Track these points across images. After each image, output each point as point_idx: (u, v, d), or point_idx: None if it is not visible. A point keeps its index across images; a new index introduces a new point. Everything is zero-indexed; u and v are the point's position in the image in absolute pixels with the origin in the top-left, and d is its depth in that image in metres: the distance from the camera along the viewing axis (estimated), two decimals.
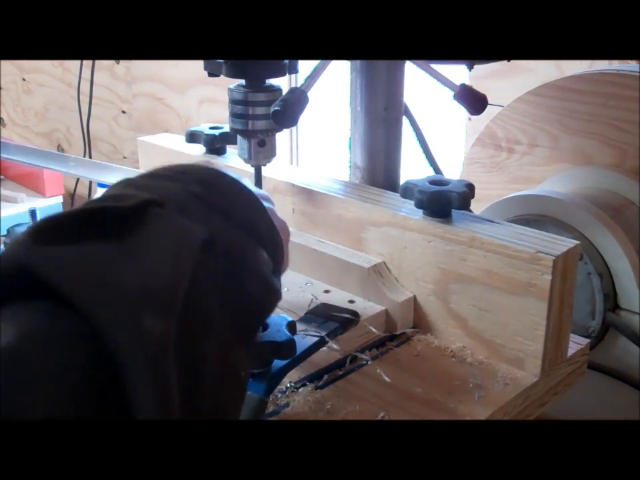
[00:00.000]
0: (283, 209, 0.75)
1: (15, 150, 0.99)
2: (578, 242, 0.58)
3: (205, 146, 0.86)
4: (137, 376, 0.29)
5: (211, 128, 0.87)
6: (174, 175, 0.41)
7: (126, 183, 0.40)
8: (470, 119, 1.29)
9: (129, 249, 0.34)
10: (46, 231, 0.34)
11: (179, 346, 0.32)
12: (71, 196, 2.10)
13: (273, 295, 0.43)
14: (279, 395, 0.54)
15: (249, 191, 0.44)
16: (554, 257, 0.54)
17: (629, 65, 0.95)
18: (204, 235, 0.37)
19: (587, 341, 0.65)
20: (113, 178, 0.83)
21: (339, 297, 0.66)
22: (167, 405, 0.30)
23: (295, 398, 0.54)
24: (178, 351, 0.32)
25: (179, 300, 0.33)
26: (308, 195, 0.72)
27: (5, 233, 0.73)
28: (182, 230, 0.36)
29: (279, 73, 0.67)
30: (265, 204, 0.45)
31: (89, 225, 0.34)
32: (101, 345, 0.30)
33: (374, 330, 0.62)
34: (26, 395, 0.28)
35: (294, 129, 1.70)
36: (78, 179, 2.03)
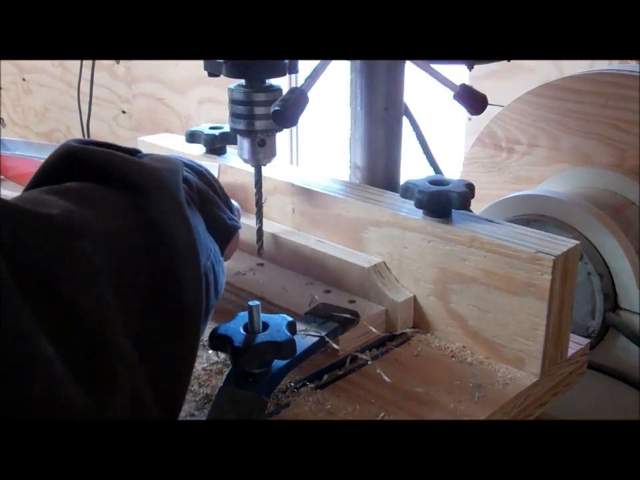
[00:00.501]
0: (283, 208, 0.75)
1: (20, 146, 0.97)
2: (578, 242, 0.58)
3: (205, 146, 0.86)
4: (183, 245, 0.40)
5: (211, 128, 0.87)
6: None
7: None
8: (470, 119, 1.29)
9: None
10: (84, 142, 0.44)
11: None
12: None
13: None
14: (279, 395, 0.54)
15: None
16: (554, 257, 0.54)
17: (629, 65, 0.95)
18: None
19: (587, 341, 0.65)
20: None
21: (338, 297, 0.66)
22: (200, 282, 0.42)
23: (294, 398, 0.54)
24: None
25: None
26: (308, 195, 0.72)
27: None
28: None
29: (279, 73, 0.67)
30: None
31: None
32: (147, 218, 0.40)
33: (374, 330, 0.62)
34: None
35: (294, 128, 1.70)
36: None
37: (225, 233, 0.56)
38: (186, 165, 0.55)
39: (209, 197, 0.54)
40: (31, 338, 0.30)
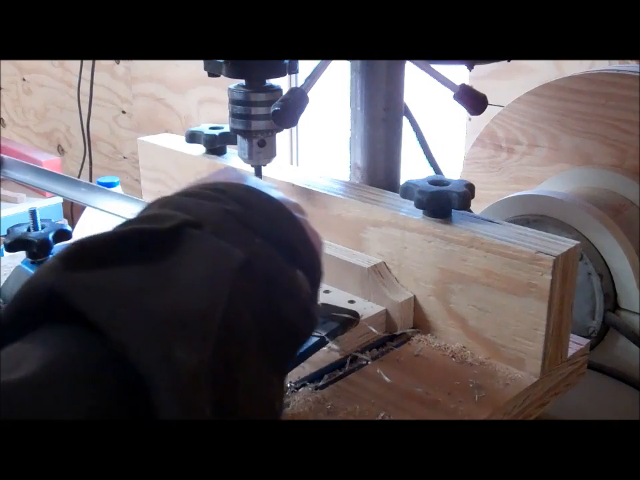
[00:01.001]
0: None
1: (22, 168, 0.95)
2: (578, 242, 0.58)
3: (205, 146, 0.86)
4: (167, 409, 0.28)
5: (211, 128, 0.87)
6: (211, 193, 0.40)
7: (162, 202, 0.39)
8: (470, 119, 1.29)
9: (163, 273, 0.33)
10: (78, 256, 0.33)
11: (213, 374, 0.31)
12: None
13: (309, 321, 0.41)
14: None
15: (287, 210, 0.42)
16: (554, 257, 0.54)
17: (629, 65, 0.95)
18: (241, 258, 0.35)
19: (587, 341, 0.65)
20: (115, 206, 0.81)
21: (338, 297, 0.66)
22: None
23: (295, 398, 0.54)
24: (211, 380, 0.30)
25: (214, 328, 0.32)
26: (308, 194, 0.72)
27: (5, 233, 0.73)
28: (219, 252, 0.35)
29: (279, 73, 0.67)
30: (298, 216, 0.43)
31: (124, 247, 0.34)
32: (131, 372, 0.29)
33: (374, 330, 0.62)
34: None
35: (294, 128, 1.70)
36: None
37: (293, 333, 0.42)
38: (268, 223, 0.42)
39: (280, 287, 0.40)
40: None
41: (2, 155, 0.93)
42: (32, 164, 0.94)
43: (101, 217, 0.83)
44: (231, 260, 0.35)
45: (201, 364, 0.30)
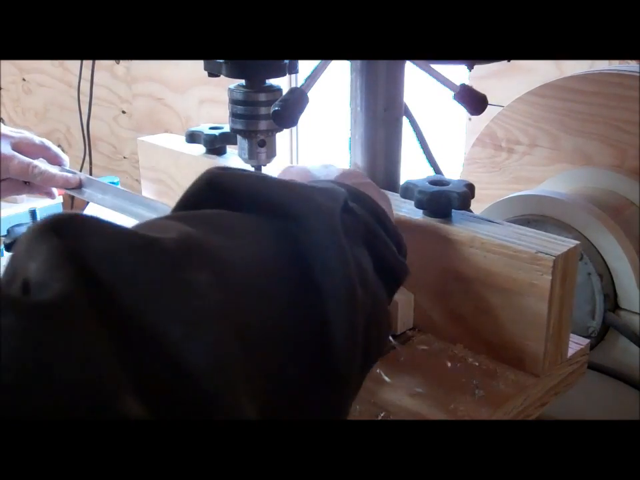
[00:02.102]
0: None
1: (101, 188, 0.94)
2: (578, 242, 0.58)
3: (205, 146, 0.86)
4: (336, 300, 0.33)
5: (211, 128, 0.87)
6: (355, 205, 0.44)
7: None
8: (470, 119, 1.29)
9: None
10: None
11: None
12: (71, 197, 2.10)
13: (405, 269, 0.47)
14: None
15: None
16: (554, 257, 0.54)
17: (629, 65, 0.95)
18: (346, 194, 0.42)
19: (587, 341, 0.65)
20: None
21: None
22: (355, 336, 0.35)
23: None
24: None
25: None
26: None
27: (5, 233, 0.73)
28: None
29: (279, 73, 0.67)
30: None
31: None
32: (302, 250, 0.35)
33: None
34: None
35: (294, 128, 1.70)
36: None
37: (393, 277, 0.46)
38: (351, 193, 0.46)
39: (377, 233, 0.45)
40: (115, 397, 0.24)
41: (79, 173, 0.94)
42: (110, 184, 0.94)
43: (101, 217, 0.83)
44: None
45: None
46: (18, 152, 0.89)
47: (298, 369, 0.33)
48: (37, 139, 0.93)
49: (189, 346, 0.26)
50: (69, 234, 0.27)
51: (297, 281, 0.35)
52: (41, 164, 0.90)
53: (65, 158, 0.96)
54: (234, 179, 0.39)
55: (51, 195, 0.96)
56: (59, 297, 0.24)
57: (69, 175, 0.92)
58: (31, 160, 0.89)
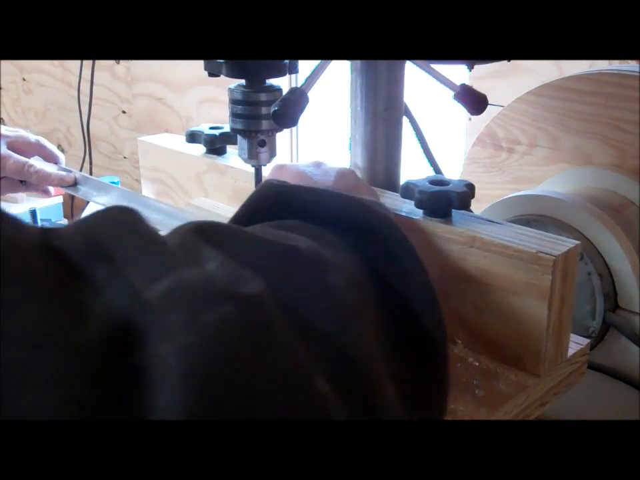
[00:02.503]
0: None
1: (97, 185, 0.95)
2: (578, 242, 0.58)
3: (205, 146, 0.86)
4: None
5: (211, 128, 0.87)
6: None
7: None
8: (470, 119, 1.29)
9: None
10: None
11: None
12: (71, 196, 2.10)
13: (443, 334, 0.43)
14: None
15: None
16: (554, 257, 0.54)
17: (629, 65, 0.95)
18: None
19: (587, 340, 0.64)
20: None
21: None
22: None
23: None
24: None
25: None
26: None
27: None
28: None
29: (279, 73, 0.67)
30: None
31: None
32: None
33: None
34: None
35: (294, 128, 1.70)
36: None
37: None
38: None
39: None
40: (312, 376, 0.26)
41: (75, 171, 0.95)
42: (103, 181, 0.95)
43: None
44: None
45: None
46: (13, 151, 0.90)
47: (407, 366, 0.35)
48: (33, 138, 0.94)
49: (345, 338, 0.29)
50: (214, 242, 0.29)
51: (382, 287, 0.37)
52: (37, 163, 0.91)
53: (61, 156, 0.97)
54: (302, 193, 0.41)
55: (47, 193, 0.97)
56: (262, 290, 0.26)
57: (64, 173, 0.94)
58: (26, 159, 0.90)
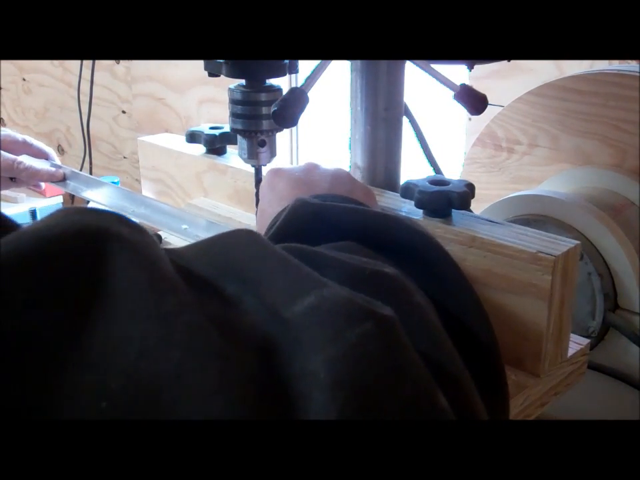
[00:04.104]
0: None
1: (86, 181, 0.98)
2: (578, 242, 0.58)
3: (205, 146, 0.86)
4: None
5: (211, 128, 0.87)
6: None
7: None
8: (470, 119, 1.29)
9: None
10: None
11: None
12: (71, 196, 2.10)
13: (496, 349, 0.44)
14: None
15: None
16: (554, 257, 0.54)
17: (629, 65, 0.95)
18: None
19: (587, 340, 0.64)
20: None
21: None
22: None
23: None
24: None
25: None
26: None
27: None
28: None
29: (279, 73, 0.67)
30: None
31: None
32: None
33: None
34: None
35: (294, 128, 1.70)
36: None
37: None
38: None
39: None
40: (436, 391, 0.29)
41: (64, 167, 0.98)
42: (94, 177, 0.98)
43: None
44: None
45: None
46: (2, 150, 0.92)
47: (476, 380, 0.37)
48: (19, 136, 0.97)
49: (440, 356, 0.32)
50: (312, 266, 0.31)
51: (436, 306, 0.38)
52: (26, 160, 0.94)
53: (50, 151, 0.99)
54: (337, 212, 0.42)
55: (38, 189, 1.01)
56: (391, 311, 0.29)
57: (53, 169, 0.96)
58: (15, 157, 0.93)
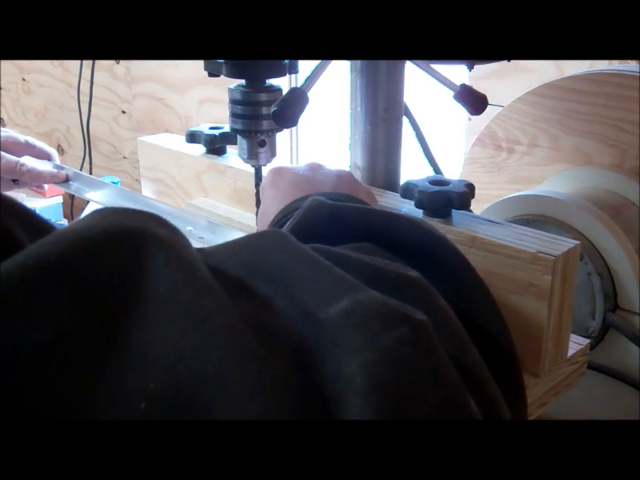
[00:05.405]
0: None
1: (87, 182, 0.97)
2: (578, 242, 0.58)
3: (205, 146, 0.86)
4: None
5: (211, 128, 0.87)
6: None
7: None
8: (470, 119, 1.29)
9: None
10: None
11: None
12: (71, 196, 2.10)
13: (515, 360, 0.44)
14: None
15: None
16: (554, 257, 0.54)
17: (629, 65, 0.95)
18: None
19: (587, 340, 0.64)
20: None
21: None
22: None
23: None
24: None
25: None
26: None
27: None
28: None
29: (279, 73, 0.67)
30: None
31: None
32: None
33: None
34: None
35: (294, 129, 1.70)
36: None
37: None
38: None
39: None
40: (466, 396, 0.30)
41: (67, 167, 0.98)
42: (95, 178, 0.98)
43: None
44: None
45: None
46: (4, 151, 0.91)
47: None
48: (22, 138, 0.96)
49: (465, 359, 0.32)
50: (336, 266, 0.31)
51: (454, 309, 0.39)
52: (28, 161, 0.93)
53: (52, 152, 0.99)
54: (353, 213, 0.42)
55: (40, 189, 1.02)
56: (424, 317, 0.29)
57: (55, 170, 0.96)
58: (17, 158, 0.92)
